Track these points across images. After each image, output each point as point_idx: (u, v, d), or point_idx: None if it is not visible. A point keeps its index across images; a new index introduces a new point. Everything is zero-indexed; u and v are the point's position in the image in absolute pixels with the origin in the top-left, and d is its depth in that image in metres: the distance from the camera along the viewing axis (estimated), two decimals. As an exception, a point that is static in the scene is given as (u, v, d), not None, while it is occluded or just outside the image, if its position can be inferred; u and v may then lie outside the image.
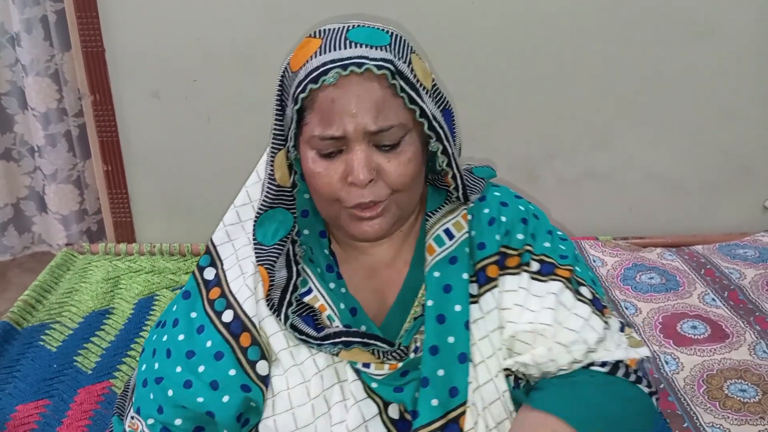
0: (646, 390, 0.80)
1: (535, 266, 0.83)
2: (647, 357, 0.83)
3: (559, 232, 0.89)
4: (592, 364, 0.79)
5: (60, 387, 1.28)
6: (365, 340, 0.78)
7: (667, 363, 1.30)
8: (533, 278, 0.82)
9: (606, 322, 0.81)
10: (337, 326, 0.80)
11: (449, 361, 0.78)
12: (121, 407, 1.00)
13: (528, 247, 0.84)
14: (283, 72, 0.78)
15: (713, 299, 1.49)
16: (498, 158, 1.87)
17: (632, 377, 0.80)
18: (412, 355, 0.79)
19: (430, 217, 0.85)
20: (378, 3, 1.69)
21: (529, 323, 0.80)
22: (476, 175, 0.89)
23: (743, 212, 1.95)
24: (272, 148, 0.79)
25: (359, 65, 0.70)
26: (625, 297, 1.53)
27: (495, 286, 0.82)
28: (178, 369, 0.79)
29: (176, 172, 1.86)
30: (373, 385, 0.80)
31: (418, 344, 0.79)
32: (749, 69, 1.78)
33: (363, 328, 0.83)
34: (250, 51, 1.72)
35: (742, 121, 1.84)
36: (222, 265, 0.84)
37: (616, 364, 0.79)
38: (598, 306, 0.82)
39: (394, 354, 0.79)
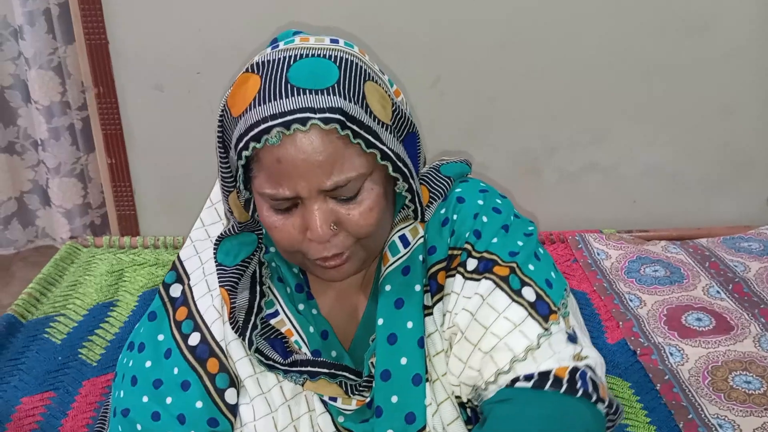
0: (585, 399, 0.68)
1: (471, 264, 0.74)
2: (589, 366, 0.71)
3: (527, 229, 0.79)
4: (516, 380, 0.69)
5: (65, 379, 1.28)
6: (332, 371, 0.73)
7: (671, 355, 1.29)
8: (467, 278, 0.74)
9: (546, 329, 0.71)
10: (305, 353, 0.76)
11: (403, 385, 0.72)
12: (101, 429, 0.97)
13: (467, 245, 0.75)
14: (222, 111, 0.70)
15: (718, 292, 1.49)
16: (499, 153, 1.87)
17: (564, 387, 0.68)
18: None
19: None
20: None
21: (449, 328, 0.73)
22: (443, 174, 0.80)
23: (745, 206, 1.94)
24: (223, 191, 0.74)
25: (303, 122, 0.63)
26: (630, 289, 1.53)
27: (442, 298, 0.75)
28: (145, 399, 0.74)
29: (180, 165, 1.86)
30: (340, 419, 0.76)
31: (372, 370, 0.74)
32: (748, 63, 1.78)
33: (333, 354, 0.78)
34: (253, 44, 1.71)
35: (742, 115, 1.84)
36: (188, 281, 0.79)
37: (545, 376, 0.68)
38: (541, 310, 0.71)
39: (362, 386, 0.74)
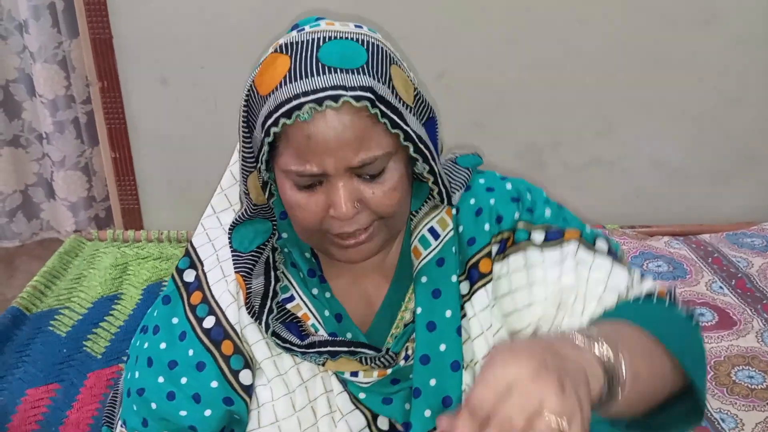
0: (685, 313, 0.74)
1: (538, 237, 0.78)
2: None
3: (558, 203, 0.84)
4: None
5: (70, 372, 1.29)
6: (352, 348, 0.74)
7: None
8: (545, 248, 0.77)
9: (628, 270, 0.77)
10: (322, 335, 0.77)
11: (441, 370, 0.75)
12: (110, 416, 0.97)
13: (522, 224, 0.79)
14: (248, 92, 0.71)
15: (720, 287, 1.49)
16: (505, 146, 1.87)
17: (668, 302, 0.74)
18: (402, 363, 0.76)
19: (414, 216, 0.80)
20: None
21: (552, 295, 0.75)
22: (460, 166, 0.83)
23: (750, 200, 1.94)
24: (243, 171, 0.74)
25: (335, 98, 0.64)
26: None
27: (489, 281, 0.78)
28: (161, 380, 0.75)
29: (183, 159, 1.86)
30: (361, 395, 0.77)
31: (409, 352, 0.76)
32: (755, 56, 1.77)
33: (349, 336, 0.79)
34: (256, 37, 1.71)
35: (747, 108, 1.83)
36: (202, 266, 0.79)
37: (650, 296, 0.74)
38: (616, 257, 0.78)
39: (382, 360, 0.75)
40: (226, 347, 0.75)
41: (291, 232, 0.80)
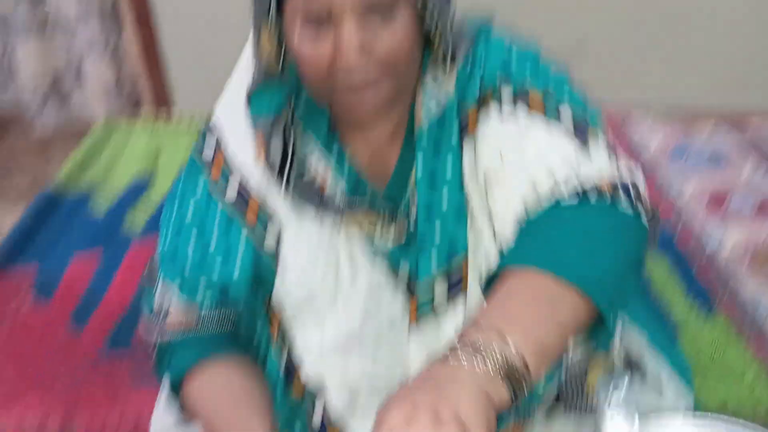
0: (630, 211, 0.68)
1: (506, 94, 0.75)
2: (633, 183, 0.70)
3: (555, 62, 0.80)
4: (562, 198, 0.69)
5: (113, 242, 1.32)
6: (368, 201, 0.76)
7: (711, 237, 1.28)
8: (503, 106, 0.75)
9: (584, 144, 0.71)
10: (342, 190, 0.78)
11: (444, 216, 0.76)
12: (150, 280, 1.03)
13: (500, 76, 0.77)
14: None
15: (763, 176, 1.45)
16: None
17: (608, 201, 0.68)
18: (413, 211, 0.77)
19: (422, 80, 0.79)
20: None
21: (492, 158, 0.74)
22: (470, 28, 0.81)
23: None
24: (254, 26, 0.73)
25: None
26: (672, 173, 1.50)
27: (473, 136, 0.77)
28: (191, 244, 0.78)
29: (211, 38, 1.82)
30: (383, 246, 0.78)
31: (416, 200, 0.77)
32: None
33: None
34: None
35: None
36: (221, 133, 0.81)
37: (590, 191, 0.68)
38: (579, 129, 0.72)
39: (399, 215, 0.77)
40: (252, 209, 0.77)
41: (307, 96, 0.80)
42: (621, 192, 0.68)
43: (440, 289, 0.76)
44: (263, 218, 0.77)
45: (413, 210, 0.78)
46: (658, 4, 1.79)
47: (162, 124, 1.76)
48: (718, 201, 1.38)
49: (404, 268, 0.79)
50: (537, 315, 0.58)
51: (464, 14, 0.85)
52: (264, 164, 0.77)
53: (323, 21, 0.68)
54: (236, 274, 0.76)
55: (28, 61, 1.97)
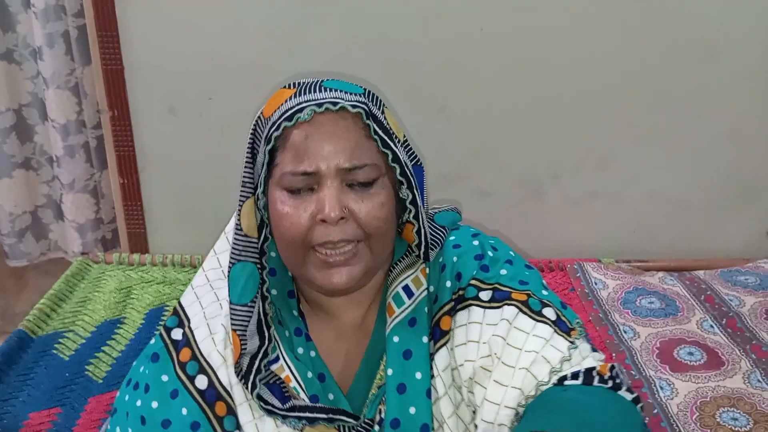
0: (629, 396, 0.73)
1: (486, 295, 0.78)
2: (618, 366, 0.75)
3: (526, 263, 0.85)
4: (564, 378, 0.72)
5: (71, 395, 1.32)
6: (330, 416, 0.76)
7: (662, 389, 1.32)
8: (486, 307, 0.77)
9: (572, 342, 0.75)
10: (303, 399, 0.78)
11: (410, 427, 0.75)
12: None
13: (475, 281, 0.79)
14: (256, 121, 0.77)
15: (711, 326, 1.51)
16: (504, 175, 1.90)
17: (609, 384, 0.72)
18: (376, 428, 0.77)
19: (392, 270, 0.82)
20: (391, 27, 1.73)
21: (482, 357, 0.75)
22: (438, 224, 0.85)
23: (747, 235, 1.96)
24: (241, 196, 0.77)
25: (334, 104, 0.72)
26: (625, 321, 1.55)
27: (449, 339, 0.78)
28: None
29: (190, 186, 1.90)
30: None
31: (382, 415, 0.77)
32: (754, 91, 1.80)
33: (330, 397, 0.80)
34: (263, 69, 1.76)
35: (745, 142, 1.85)
36: (189, 323, 0.82)
37: (589, 374, 0.72)
38: (562, 327, 0.76)
39: (359, 429, 0.77)
40: (220, 408, 0.77)
41: (280, 288, 0.82)
42: (618, 377, 0.73)
43: None
44: (231, 419, 0.77)
45: (377, 418, 0.78)
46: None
47: (136, 264, 1.80)
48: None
49: None
50: None
51: (433, 208, 0.90)
52: (233, 363, 0.77)
53: (307, 189, 0.73)
54: None
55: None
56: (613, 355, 1.44)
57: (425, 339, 0.78)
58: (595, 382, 0.72)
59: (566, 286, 1.72)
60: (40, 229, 2.11)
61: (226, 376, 0.78)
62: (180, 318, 0.83)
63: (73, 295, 1.66)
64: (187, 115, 1.82)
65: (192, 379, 0.78)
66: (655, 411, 1.26)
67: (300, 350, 0.82)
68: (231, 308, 0.78)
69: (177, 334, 0.82)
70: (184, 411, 0.77)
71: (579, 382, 0.72)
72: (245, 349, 0.77)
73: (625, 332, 1.52)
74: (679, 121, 1.83)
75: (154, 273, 1.77)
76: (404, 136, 0.80)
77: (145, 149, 1.86)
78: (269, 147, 0.73)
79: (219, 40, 1.74)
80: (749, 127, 1.84)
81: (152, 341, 0.85)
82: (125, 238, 1.96)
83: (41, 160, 2.05)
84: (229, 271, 0.79)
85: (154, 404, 0.78)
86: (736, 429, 1.20)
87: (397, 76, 1.73)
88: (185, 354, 0.80)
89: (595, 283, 1.71)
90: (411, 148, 0.81)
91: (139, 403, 0.80)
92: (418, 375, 0.77)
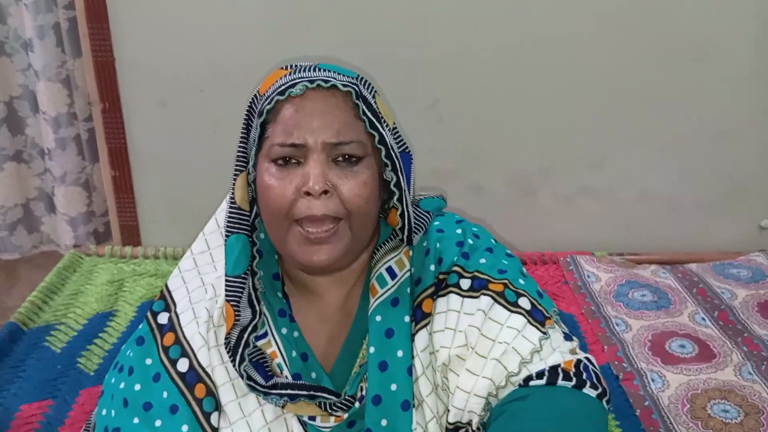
0: (593, 392, 0.74)
1: (465, 284, 0.80)
2: (588, 358, 0.78)
3: (507, 251, 0.87)
4: (530, 378, 0.75)
5: (63, 388, 1.32)
6: (311, 392, 0.77)
7: (653, 381, 1.32)
8: (465, 296, 0.79)
9: (544, 332, 0.77)
10: (286, 376, 0.80)
11: (392, 409, 0.77)
12: None
13: (456, 268, 0.81)
14: (252, 98, 0.80)
15: (703, 318, 1.52)
16: (496, 173, 1.90)
17: (573, 381, 0.74)
18: (357, 405, 0.78)
19: (376, 252, 0.83)
20: (383, 24, 1.72)
21: (458, 346, 0.77)
22: (423, 209, 0.87)
23: (738, 231, 1.97)
24: (235, 170, 0.80)
25: (326, 81, 0.75)
26: (617, 313, 1.56)
27: (429, 322, 0.80)
28: (136, 420, 0.78)
29: (181, 179, 1.90)
30: None
31: (364, 393, 0.78)
32: (744, 91, 1.81)
33: (313, 375, 0.82)
34: (254, 63, 1.75)
35: (736, 141, 1.86)
36: (175, 308, 0.83)
37: (555, 371, 0.74)
38: (537, 317, 0.78)
39: (340, 405, 0.78)
40: (199, 390, 0.78)
41: (266, 270, 0.84)
42: (583, 373, 0.75)
43: None
44: (210, 400, 0.78)
45: (358, 395, 0.79)
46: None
47: (128, 257, 1.79)
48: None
49: None
50: None
51: (419, 194, 0.92)
52: (225, 335, 0.78)
53: (294, 163, 0.75)
54: None
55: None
56: (605, 347, 1.44)
57: (407, 319, 0.79)
58: (560, 380, 0.74)
59: (559, 279, 1.73)
60: (32, 222, 2.11)
61: (207, 358, 0.80)
62: (167, 302, 0.85)
63: (65, 287, 1.66)
64: (179, 108, 1.81)
65: (174, 363, 0.80)
66: (647, 403, 1.27)
67: (284, 330, 0.83)
68: (226, 280, 0.80)
69: (163, 318, 0.84)
70: (165, 394, 0.78)
71: (543, 382, 0.73)
72: (239, 320, 0.78)
73: (617, 325, 1.52)
74: (671, 121, 1.84)
75: (147, 266, 1.76)
76: (394, 124, 0.82)
77: (137, 142, 1.86)
78: (261, 120, 0.75)
79: (211, 32, 1.74)
80: (740, 127, 1.85)
81: (141, 326, 0.87)
82: (117, 231, 1.95)
83: (33, 153, 2.04)
84: (225, 243, 0.82)
85: (137, 387, 0.80)
86: (727, 421, 1.21)
87: (390, 74, 1.72)
88: (169, 338, 0.81)
89: (588, 276, 1.71)
90: (400, 135, 0.83)
91: (122, 385, 0.81)
92: (400, 353, 0.78)
